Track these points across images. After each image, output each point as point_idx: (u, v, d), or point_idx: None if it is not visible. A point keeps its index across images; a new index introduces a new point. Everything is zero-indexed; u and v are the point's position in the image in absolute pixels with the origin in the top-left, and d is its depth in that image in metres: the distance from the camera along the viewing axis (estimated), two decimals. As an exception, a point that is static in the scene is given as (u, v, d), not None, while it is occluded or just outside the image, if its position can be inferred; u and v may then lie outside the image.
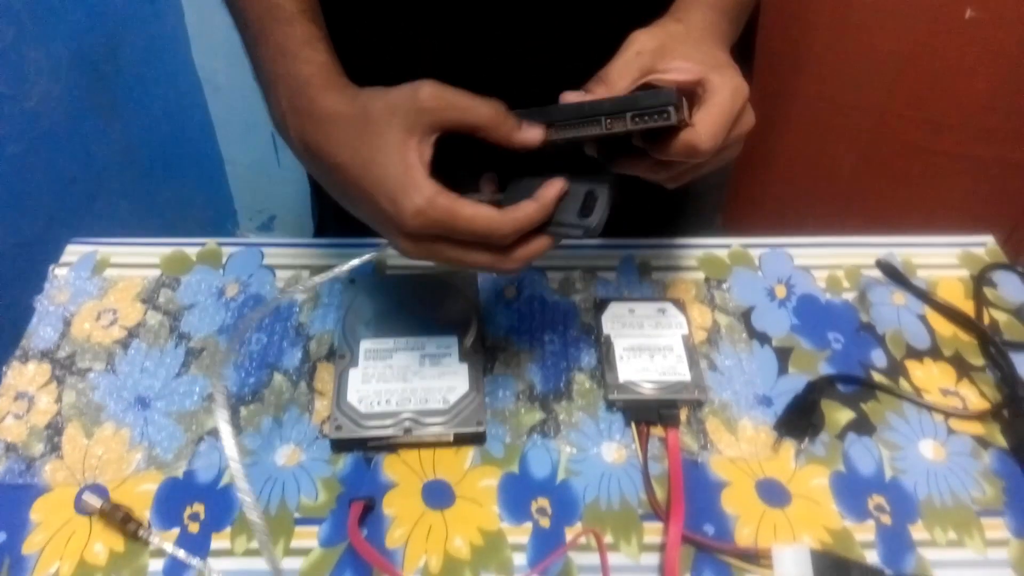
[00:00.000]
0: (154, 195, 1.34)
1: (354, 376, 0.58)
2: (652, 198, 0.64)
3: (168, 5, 1.31)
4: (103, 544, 0.50)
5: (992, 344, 0.63)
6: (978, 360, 0.63)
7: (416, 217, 0.44)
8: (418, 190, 0.44)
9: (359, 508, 0.51)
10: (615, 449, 0.56)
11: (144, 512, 0.52)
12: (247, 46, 0.53)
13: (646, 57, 0.49)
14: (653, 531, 0.52)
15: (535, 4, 0.62)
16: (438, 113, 0.45)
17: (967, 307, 0.66)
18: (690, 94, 0.48)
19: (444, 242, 0.46)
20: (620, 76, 0.49)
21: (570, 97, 0.49)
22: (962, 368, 0.62)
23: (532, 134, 0.47)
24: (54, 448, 0.55)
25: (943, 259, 0.71)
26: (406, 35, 0.64)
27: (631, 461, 0.56)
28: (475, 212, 0.44)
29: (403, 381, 0.57)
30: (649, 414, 0.58)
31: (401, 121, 0.45)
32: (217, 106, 1.44)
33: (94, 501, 0.51)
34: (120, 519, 0.50)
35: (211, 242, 0.69)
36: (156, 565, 0.50)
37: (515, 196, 0.48)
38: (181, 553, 0.50)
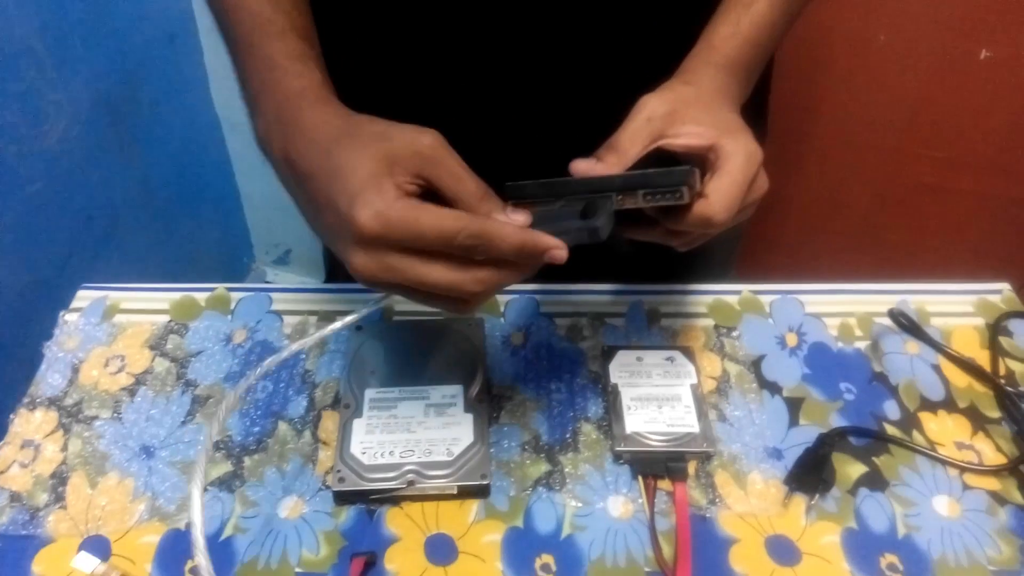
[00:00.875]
0: (171, 230, 1.35)
1: (358, 426, 0.57)
2: (664, 250, 0.64)
3: (188, 45, 1.34)
4: (103, 598, 0.50)
5: (1008, 396, 0.62)
6: (994, 412, 0.62)
7: (373, 220, 0.40)
8: (379, 193, 0.41)
9: (360, 564, 0.51)
10: (622, 503, 0.56)
11: (145, 566, 0.52)
12: (235, 62, 0.52)
13: (657, 123, 0.49)
14: (659, 590, 0.51)
15: (544, 63, 0.62)
16: (429, 164, 0.43)
17: (982, 357, 0.65)
18: (702, 160, 0.48)
19: (402, 254, 0.41)
20: (631, 143, 0.48)
21: (580, 166, 0.48)
22: (977, 421, 0.61)
23: (517, 219, 0.44)
24: (58, 498, 0.55)
25: (958, 307, 0.69)
26: (416, 63, 0.65)
27: (638, 516, 0.55)
28: (440, 211, 0.41)
29: (407, 432, 0.57)
30: (656, 467, 0.57)
31: (390, 148, 0.42)
32: (235, 142, 1.46)
33: (86, 564, 0.51)
34: None
35: (220, 287, 0.69)
36: (156, 621, 0.49)
37: None
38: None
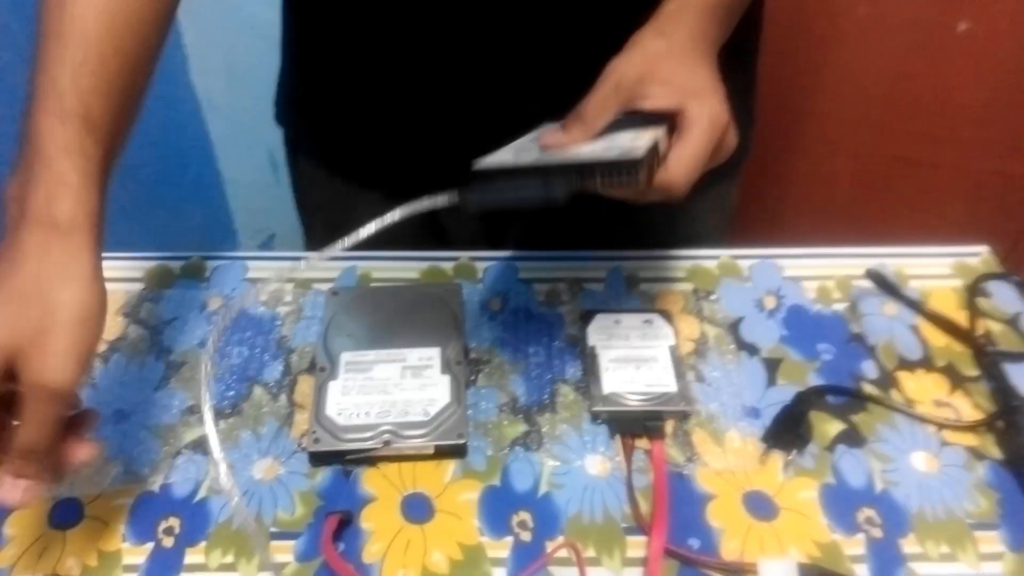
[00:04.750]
0: (153, 214, 1.34)
1: (334, 388, 0.57)
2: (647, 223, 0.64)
3: (166, 26, 1.32)
4: (76, 559, 0.50)
5: (985, 354, 0.62)
6: (972, 371, 0.62)
7: None
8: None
9: (334, 522, 0.50)
10: (599, 462, 0.55)
11: (119, 526, 0.51)
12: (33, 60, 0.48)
13: (624, 91, 0.49)
14: (636, 545, 0.51)
15: (515, 22, 0.62)
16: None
17: (960, 317, 0.65)
18: (670, 119, 0.48)
19: None
20: (599, 112, 0.49)
21: (548, 139, 0.50)
22: (955, 379, 0.61)
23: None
24: (30, 462, 0.54)
25: (936, 269, 0.70)
26: (393, 42, 0.64)
27: (615, 474, 0.55)
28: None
29: (383, 393, 0.57)
30: (634, 426, 0.57)
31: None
32: (216, 125, 1.44)
33: None
34: None
35: (195, 256, 0.69)
36: (129, 581, 0.49)
37: None
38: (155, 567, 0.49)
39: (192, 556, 0.50)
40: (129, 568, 0.49)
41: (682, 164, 0.46)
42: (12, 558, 0.50)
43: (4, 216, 0.46)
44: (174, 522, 0.51)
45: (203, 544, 0.51)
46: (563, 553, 0.50)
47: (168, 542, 0.51)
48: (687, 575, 0.50)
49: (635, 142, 0.48)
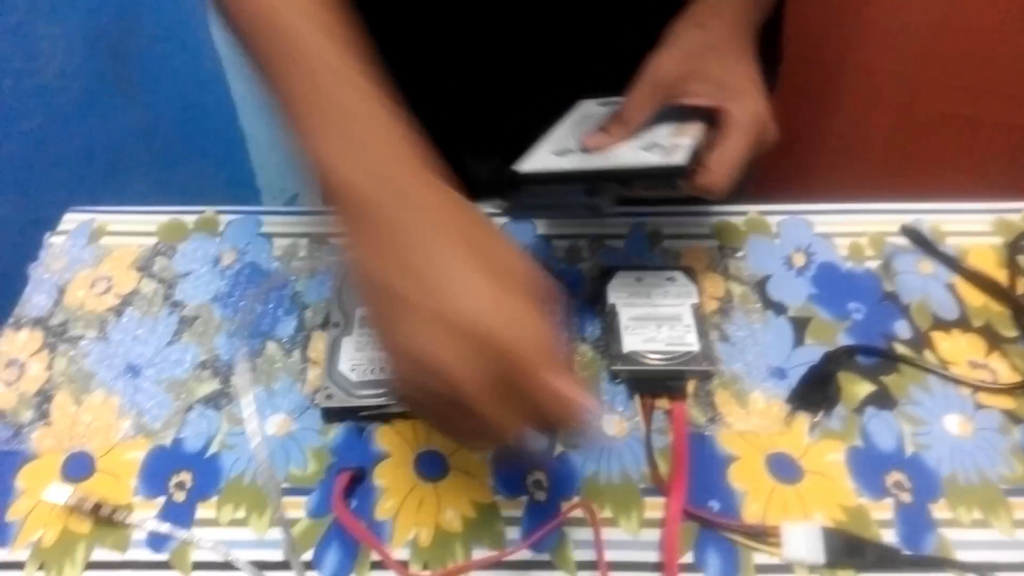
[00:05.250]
0: (175, 173, 1.33)
1: (347, 344, 0.56)
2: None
3: (186, -19, 1.31)
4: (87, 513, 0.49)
5: (1025, 314, 0.59)
6: (1010, 331, 0.59)
7: (519, 347, 0.35)
8: (542, 324, 0.37)
9: (345, 478, 0.49)
10: (616, 422, 0.54)
11: (130, 480, 0.51)
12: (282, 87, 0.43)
13: (663, 89, 0.50)
14: (655, 507, 0.50)
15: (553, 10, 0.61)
16: None
17: (1000, 276, 0.62)
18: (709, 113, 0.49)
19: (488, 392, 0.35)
20: (638, 112, 0.51)
21: (590, 141, 0.51)
22: (993, 339, 0.58)
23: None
24: (42, 415, 0.54)
25: (975, 226, 0.66)
26: (428, 28, 0.62)
27: (634, 435, 0.53)
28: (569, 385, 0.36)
29: (397, 350, 0.55)
30: (654, 386, 0.55)
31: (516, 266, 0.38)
32: (238, 84, 1.43)
33: (58, 495, 0.49)
34: (91, 510, 0.49)
35: (209, 210, 0.67)
36: (140, 533, 0.48)
37: None
38: (164, 527, 0.48)
39: (203, 511, 0.50)
40: (139, 523, 0.49)
41: (724, 167, 0.47)
42: (24, 511, 0.49)
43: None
44: (186, 476, 0.51)
45: (215, 499, 0.50)
46: (579, 513, 0.49)
47: (180, 496, 0.50)
48: (706, 538, 0.48)
49: (676, 139, 0.50)
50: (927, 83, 1.08)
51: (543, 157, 0.53)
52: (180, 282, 0.62)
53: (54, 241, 0.65)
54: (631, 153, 0.51)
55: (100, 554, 0.48)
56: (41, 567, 0.47)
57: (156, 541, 0.48)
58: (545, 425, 0.37)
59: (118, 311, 0.60)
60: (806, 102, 1.12)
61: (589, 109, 0.61)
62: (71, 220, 0.67)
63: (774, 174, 0.68)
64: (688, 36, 0.51)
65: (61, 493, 0.49)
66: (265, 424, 0.54)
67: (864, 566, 0.47)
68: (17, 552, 0.48)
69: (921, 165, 1.14)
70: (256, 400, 0.54)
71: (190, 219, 0.67)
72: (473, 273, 0.36)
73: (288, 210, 0.68)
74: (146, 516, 0.49)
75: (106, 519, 0.48)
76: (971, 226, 0.66)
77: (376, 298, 0.38)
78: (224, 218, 0.67)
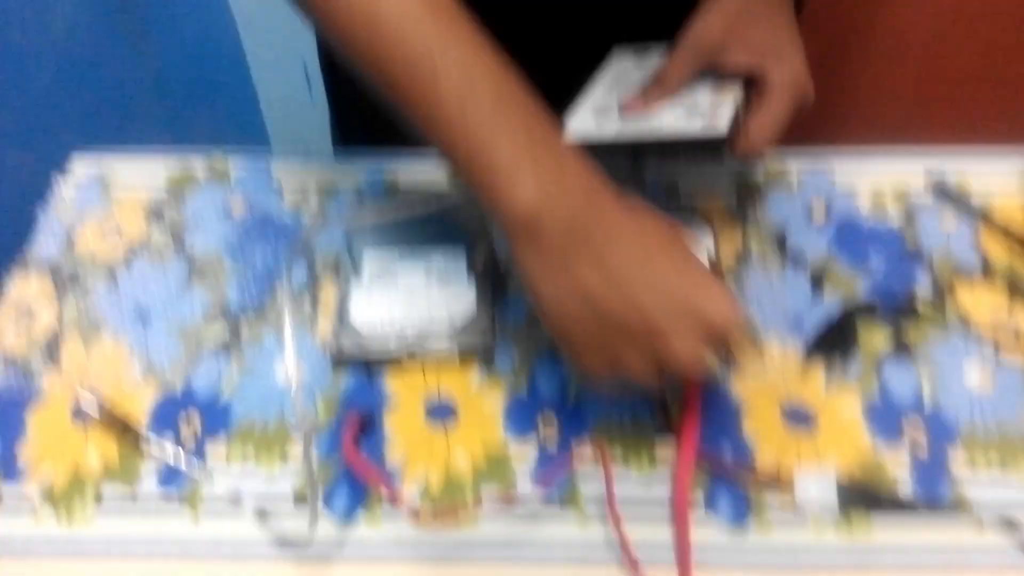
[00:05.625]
0: (186, 126, 1.33)
1: (358, 293, 0.55)
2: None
3: (197, -68, 1.29)
4: (97, 453, 0.49)
5: (1052, 267, 0.58)
6: (1035, 284, 0.58)
7: (734, 321, 0.41)
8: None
9: (355, 419, 0.49)
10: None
11: (141, 423, 0.51)
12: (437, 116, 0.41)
13: (704, 54, 0.51)
14: (666, 449, 0.49)
15: None
16: None
17: (1025, 230, 0.61)
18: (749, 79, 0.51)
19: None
20: (679, 76, 0.51)
21: (630, 103, 0.52)
22: (1016, 292, 0.57)
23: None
24: (53, 360, 0.54)
25: (1002, 178, 0.65)
26: None
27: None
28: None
29: (408, 297, 0.55)
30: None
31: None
32: (249, 39, 1.41)
33: (93, 408, 0.50)
34: (120, 427, 0.49)
35: (220, 157, 0.67)
36: (150, 473, 0.49)
37: None
38: (183, 462, 0.48)
39: (213, 453, 0.50)
40: (149, 463, 0.49)
41: (764, 131, 0.49)
42: (34, 452, 0.50)
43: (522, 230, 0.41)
44: (195, 421, 0.51)
45: (224, 441, 0.50)
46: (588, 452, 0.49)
47: (190, 440, 0.50)
48: (718, 484, 0.48)
49: (716, 108, 0.50)
50: (951, 41, 1.05)
51: (586, 118, 0.53)
52: (190, 231, 0.62)
53: (64, 185, 0.64)
54: (673, 118, 0.51)
55: (111, 491, 0.48)
56: (51, 503, 0.47)
57: (168, 477, 0.48)
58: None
59: (128, 260, 0.60)
60: (833, 57, 1.09)
61: (626, 63, 0.60)
62: (81, 163, 0.66)
63: (798, 127, 0.66)
64: (726, 2, 0.51)
65: (91, 404, 0.50)
66: (276, 370, 0.53)
67: (877, 512, 0.47)
68: (30, 488, 0.48)
69: (948, 122, 1.11)
70: (265, 349, 0.54)
71: (201, 167, 0.66)
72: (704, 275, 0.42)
73: (299, 159, 0.67)
74: (162, 447, 0.49)
75: (131, 441, 0.49)
76: (998, 178, 0.65)
77: (598, 327, 0.41)
78: (234, 166, 0.66)
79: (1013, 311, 0.56)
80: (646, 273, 0.40)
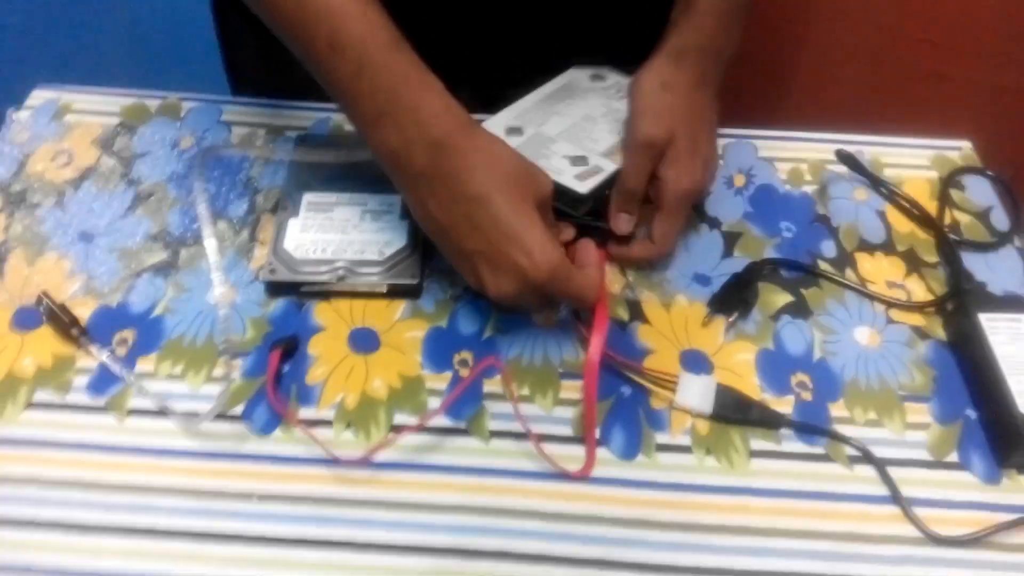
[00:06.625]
0: (144, 62, 1.31)
1: (293, 225, 0.58)
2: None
3: None
4: (32, 359, 0.52)
5: (947, 242, 0.62)
6: (932, 257, 0.62)
7: (545, 274, 0.47)
8: (555, 249, 0.48)
9: (277, 357, 0.52)
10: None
11: (75, 334, 0.53)
12: (331, 71, 0.50)
13: (651, 152, 0.55)
14: (571, 389, 0.53)
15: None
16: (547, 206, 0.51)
17: (931, 207, 0.65)
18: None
19: (540, 296, 0.50)
20: (638, 180, 0.56)
21: (617, 225, 0.58)
22: (913, 263, 0.61)
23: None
24: (-3, 271, 0.56)
25: (914, 160, 0.69)
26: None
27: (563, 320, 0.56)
28: (581, 278, 0.50)
29: (342, 233, 0.58)
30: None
31: (541, 195, 0.50)
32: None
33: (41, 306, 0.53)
34: (68, 321, 0.52)
35: (173, 96, 0.69)
36: (81, 381, 0.51)
37: None
38: (115, 365, 0.51)
39: (143, 365, 0.52)
40: (81, 371, 0.52)
41: (666, 240, 0.57)
42: None
43: (394, 166, 0.51)
44: (128, 334, 0.54)
45: (154, 355, 0.53)
46: (499, 390, 0.52)
47: (122, 351, 0.53)
48: (621, 414, 0.51)
49: (604, 159, 0.59)
50: (901, 37, 1.09)
51: (499, 124, 0.60)
52: (138, 161, 0.64)
53: (18, 116, 0.67)
54: (557, 160, 0.58)
55: (42, 396, 0.50)
56: (-17, 404, 0.50)
57: (97, 384, 0.51)
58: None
59: (76, 183, 0.62)
60: (778, 44, 1.12)
61: (578, 81, 0.65)
62: (38, 96, 0.68)
63: (742, 109, 0.69)
64: (656, 99, 0.56)
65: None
66: (208, 294, 0.56)
67: (747, 423, 0.51)
68: (-38, 390, 0.51)
69: (887, 114, 1.16)
70: (201, 272, 0.57)
71: (153, 103, 0.68)
72: (521, 227, 0.48)
73: (249, 101, 0.69)
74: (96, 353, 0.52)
75: (74, 338, 0.52)
76: (910, 159, 0.69)
77: (455, 252, 0.50)
78: (186, 104, 0.68)
79: (908, 279, 0.60)
80: (477, 212, 0.48)
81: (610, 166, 0.58)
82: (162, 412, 0.50)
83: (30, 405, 0.50)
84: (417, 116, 0.49)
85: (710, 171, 0.57)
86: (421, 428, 0.50)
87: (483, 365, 0.52)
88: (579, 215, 0.56)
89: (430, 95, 0.50)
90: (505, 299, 0.49)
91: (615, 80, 0.65)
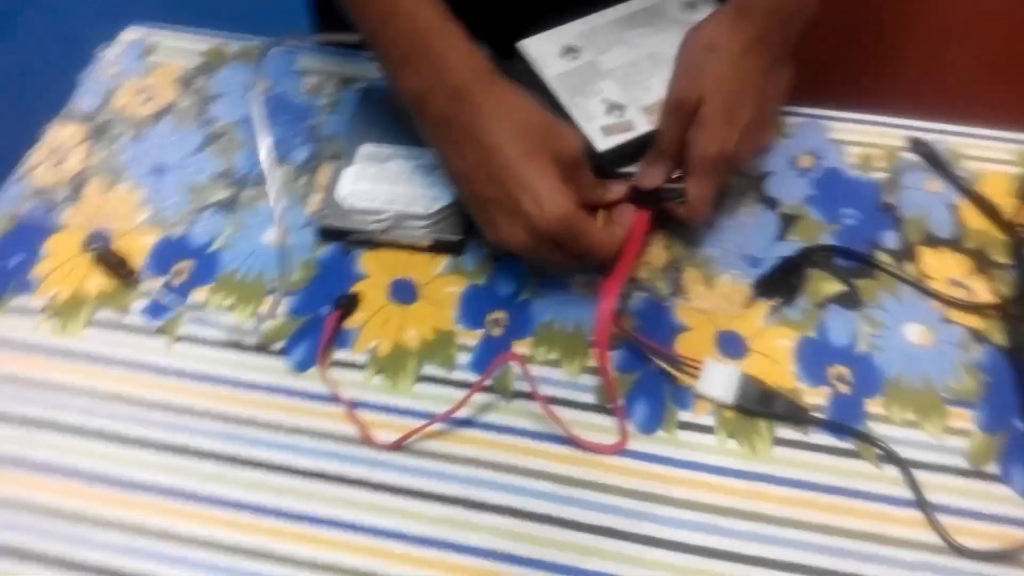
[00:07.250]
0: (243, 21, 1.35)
1: (348, 174, 0.60)
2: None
3: None
4: (96, 282, 0.56)
5: (1021, 243, 0.58)
6: (1002, 257, 0.58)
7: (556, 223, 0.48)
8: (565, 203, 0.48)
9: (335, 319, 0.54)
10: (588, 280, 0.56)
11: (140, 260, 0.57)
12: (361, 14, 0.52)
13: (684, 113, 0.53)
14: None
15: None
16: (577, 169, 0.51)
17: (1007, 205, 0.61)
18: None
19: (553, 248, 0.50)
20: (670, 141, 0.54)
21: (645, 181, 0.56)
22: (981, 262, 0.58)
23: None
24: (75, 197, 0.60)
25: (995, 153, 0.65)
26: None
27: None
28: (596, 232, 0.51)
29: (393, 184, 0.59)
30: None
31: (561, 151, 0.50)
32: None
33: (100, 246, 0.57)
34: (115, 263, 0.56)
35: (254, 42, 0.71)
36: (139, 304, 0.55)
37: None
38: (165, 298, 0.55)
39: (197, 295, 0.55)
40: (142, 295, 0.55)
41: (700, 204, 0.54)
42: (46, 272, 0.56)
43: (416, 111, 0.52)
44: (186, 265, 0.57)
45: (208, 287, 0.56)
46: (527, 351, 0.53)
47: (178, 281, 0.56)
48: (646, 388, 0.51)
49: (635, 114, 0.56)
50: (1014, 16, 1.02)
51: (547, 44, 0.58)
52: (213, 102, 0.67)
53: (107, 54, 0.70)
54: (586, 112, 0.56)
55: (103, 314, 0.54)
56: (51, 315, 0.54)
57: (154, 310, 0.54)
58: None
59: (155, 120, 0.66)
60: (884, 27, 1.07)
61: (668, 6, 0.62)
62: (128, 36, 0.72)
63: (819, 76, 0.66)
64: (695, 59, 0.54)
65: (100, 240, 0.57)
66: (264, 234, 0.59)
67: (770, 416, 0.50)
68: (36, 300, 0.55)
69: (1004, 100, 1.08)
70: (259, 212, 0.60)
71: (234, 46, 0.71)
72: (531, 176, 0.48)
73: (324, 49, 0.71)
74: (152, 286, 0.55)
75: (124, 277, 0.55)
76: (991, 152, 0.65)
77: (470, 198, 0.52)
78: (263, 50, 0.70)
79: (972, 278, 0.57)
80: (491, 160, 0.49)
81: (644, 126, 0.55)
82: (209, 341, 0.53)
83: (91, 323, 0.54)
84: (439, 63, 0.50)
85: (752, 142, 0.55)
86: (447, 417, 0.50)
87: (502, 361, 0.52)
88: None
89: (453, 42, 0.51)
90: (518, 249, 0.50)
91: (708, 13, 0.59)
